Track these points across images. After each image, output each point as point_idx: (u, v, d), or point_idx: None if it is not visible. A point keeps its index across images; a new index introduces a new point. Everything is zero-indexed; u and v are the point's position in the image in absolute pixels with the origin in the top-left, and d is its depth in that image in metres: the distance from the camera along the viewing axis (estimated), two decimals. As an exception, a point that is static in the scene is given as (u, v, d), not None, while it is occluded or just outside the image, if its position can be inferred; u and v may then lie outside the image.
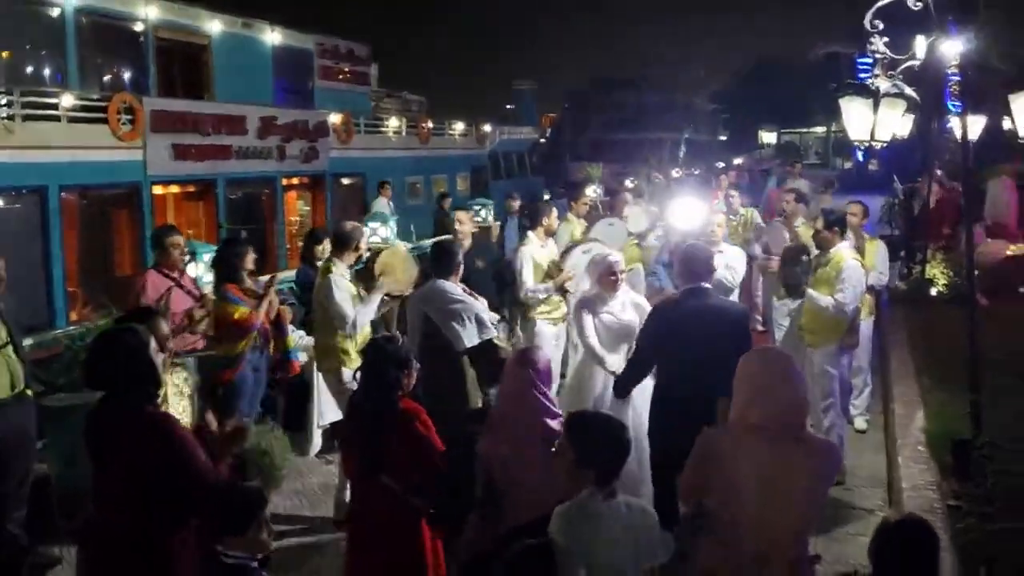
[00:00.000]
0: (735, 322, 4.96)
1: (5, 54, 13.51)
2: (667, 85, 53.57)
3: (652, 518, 3.26)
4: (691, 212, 7.92)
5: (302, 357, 7.38)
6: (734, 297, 7.27)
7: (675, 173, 28.46)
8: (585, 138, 47.93)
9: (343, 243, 6.34)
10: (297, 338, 7.52)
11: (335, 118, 19.78)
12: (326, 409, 7.09)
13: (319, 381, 7.12)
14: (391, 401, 3.96)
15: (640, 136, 47.91)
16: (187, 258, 7.02)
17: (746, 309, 5.46)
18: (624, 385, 5.27)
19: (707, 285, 5.08)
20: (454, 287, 5.46)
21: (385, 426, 3.91)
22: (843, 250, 6.54)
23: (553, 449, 3.54)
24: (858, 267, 6.47)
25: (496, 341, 5.37)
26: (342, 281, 6.17)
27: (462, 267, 5.68)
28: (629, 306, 5.95)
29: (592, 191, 14.91)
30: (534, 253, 7.55)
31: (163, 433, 3.41)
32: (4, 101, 11.95)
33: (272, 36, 18.70)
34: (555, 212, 8.05)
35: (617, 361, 5.70)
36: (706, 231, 7.54)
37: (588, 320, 5.86)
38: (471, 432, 4.14)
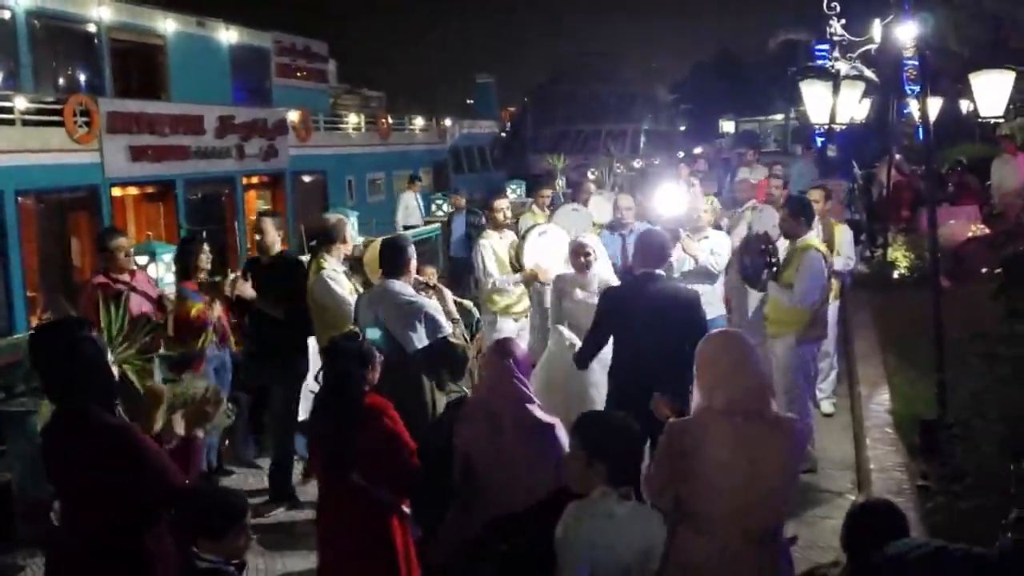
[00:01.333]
0: (686, 307, 5.02)
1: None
2: (626, 76, 53.69)
3: (659, 520, 3.21)
4: (675, 199, 7.93)
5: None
6: (720, 282, 7.27)
7: (636, 163, 28.56)
8: (546, 131, 47.90)
9: (330, 237, 6.22)
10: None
11: (294, 116, 19.60)
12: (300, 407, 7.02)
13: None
14: (355, 397, 3.91)
15: (600, 127, 48.03)
16: (133, 259, 6.80)
17: (697, 294, 5.40)
18: (581, 358, 5.33)
19: (660, 271, 5.21)
20: (404, 287, 5.20)
21: (351, 421, 3.86)
22: (810, 238, 6.47)
23: (537, 437, 3.52)
24: (818, 258, 6.28)
25: (451, 339, 5.19)
26: (338, 276, 6.07)
27: (414, 263, 5.43)
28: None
29: (556, 184, 14.91)
30: (493, 245, 7.49)
31: (124, 443, 3.30)
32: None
33: (228, 35, 18.45)
34: (507, 202, 7.96)
35: None
36: (691, 217, 7.53)
37: (558, 304, 5.93)
38: (447, 423, 4.11)
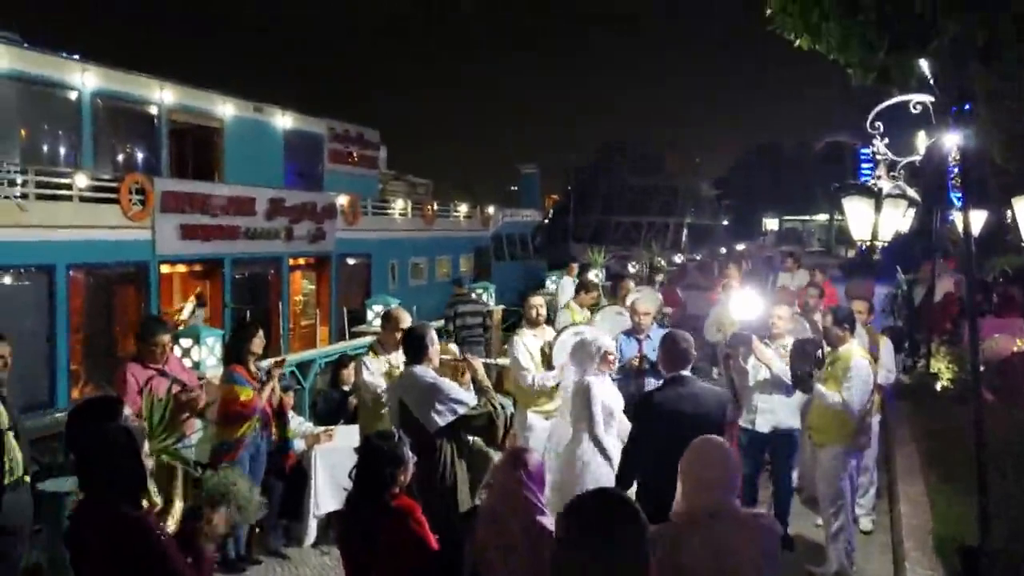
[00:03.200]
0: (716, 407, 5.12)
1: (22, 134, 13.80)
2: (670, 168, 54.26)
3: None
4: (750, 303, 7.82)
5: (299, 445, 7.31)
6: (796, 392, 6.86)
7: (677, 258, 28.66)
8: (587, 220, 48.34)
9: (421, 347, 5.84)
10: (296, 425, 7.47)
11: (343, 200, 20.05)
12: (323, 499, 7.02)
13: (316, 469, 7.06)
14: (384, 500, 3.91)
15: (642, 219, 48.37)
16: (171, 351, 6.85)
17: (727, 396, 5.50)
18: (625, 476, 5.25)
19: (687, 373, 5.20)
20: (425, 371, 5.41)
21: (377, 525, 3.86)
22: (853, 347, 6.47)
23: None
24: (866, 365, 6.36)
25: (470, 412, 5.26)
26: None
27: (434, 349, 5.56)
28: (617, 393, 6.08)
29: (594, 275, 15.00)
30: (526, 342, 7.50)
31: (141, 537, 3.31)
32: (19, 180, 12.18)
33: (283, 120, 19.12)
34: (539, 300, 7.95)
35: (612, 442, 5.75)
36: (767, 323, 7.41)
37: (598, 406, 5.88)
38: (461, 527, 4.09)
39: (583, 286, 10.25)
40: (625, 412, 6.02)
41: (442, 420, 5.17)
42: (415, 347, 5.49)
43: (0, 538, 5.20)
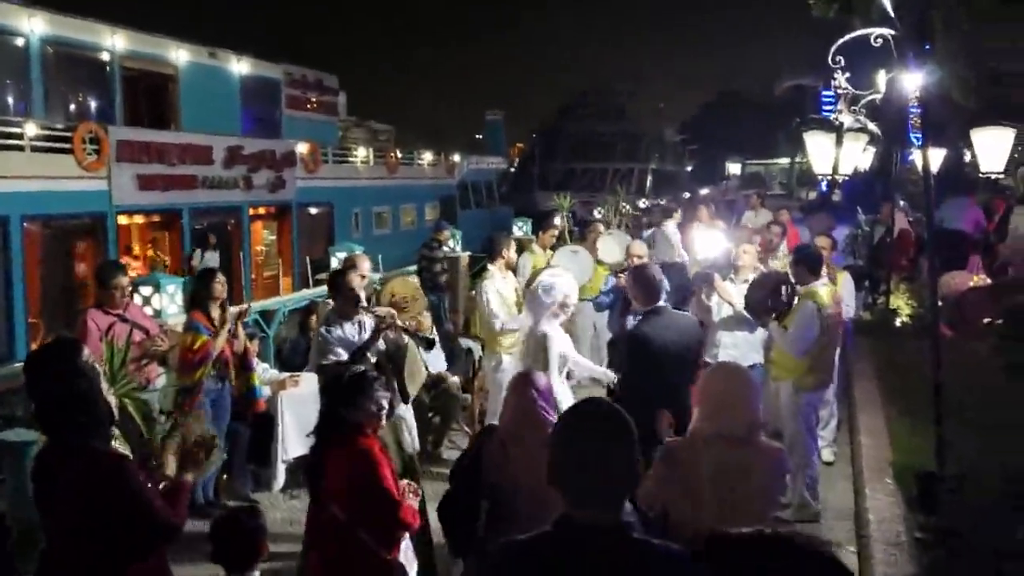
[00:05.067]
0: (694, 331, 5.43)
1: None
2: (633, 115, 54.10)
3: None
4: (713, 242, 7.85)
5: (265, 391, 7.28)
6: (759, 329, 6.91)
7: (642, 203, 28.68)
8: (553, 168, 48.20)
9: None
10: (261, 371, 7.42)
11: (302, 148, 19.75)
12: (290, 444, 7.01)
13: (283, 415, 7.05)
14: (335, 432, 3.96)
15: (607, 166, 48.30)
16: (130, 295, 6.80)
17: (696, 322, 5.66)
18: (630, 399, 5.30)
19: (662, 303, 5.32)
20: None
21: (328, 456, 3.92)
22: (813, 288, 6.46)
23: None
24: (811, 308, 6.28)
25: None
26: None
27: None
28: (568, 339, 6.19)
29: (559, 220, 14.96)
30: (498, 287, 7.50)
31: (114, 475, 3.29)
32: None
33: (240, 66, 18.68)
34: (513, 244, 8.02)
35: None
36: (730, 259, 7.40)
37: (555, 353, 5.92)
38: (475, 452, 4.15)
39: (543, 225, 10.30)
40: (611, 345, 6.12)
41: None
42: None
43: None
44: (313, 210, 20.63)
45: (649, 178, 49.51)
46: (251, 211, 18.25)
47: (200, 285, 6.71)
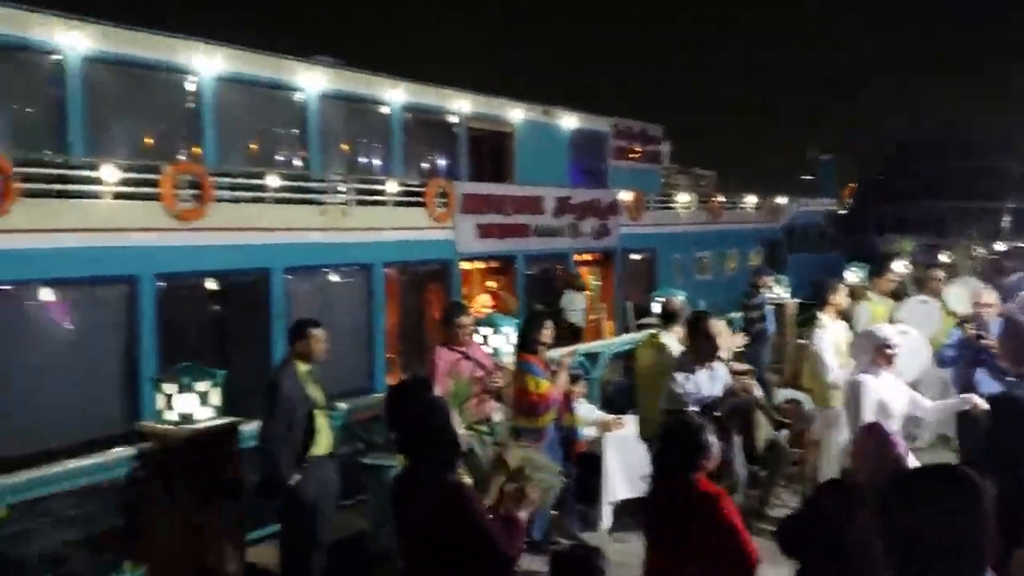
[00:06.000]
0: None
1: (345, 147, 15.38)
2: (985, 149, 48.70)
3: None
4: None
5: (589, 433, 7.46)
6: None
7: (998, 246, 25.79)
8: (890, 209, 44.78)
9: (672, 317, 6.51)
10: (587, 412, 7.64)
11: (626, 196, 20.25)
12: (615, 485, 7.12)
13: (608, 456, 7.18)
14: (687, 482, 3.85)
15: (956, 205, 43.95)
16: (474, 333, 7.28)
17: None
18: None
19: None
20: None
21: (683, 509, 3.80)
22: None
23: None
24: None
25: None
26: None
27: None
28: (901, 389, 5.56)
29: (900, 265, 13.90)
30: (829, 335, 7.12)
31: (458, 502, 3.54)
32: (343, 188, 13.63)
33: (569, 121, 19.68)
34: (844, 290, 7.59)
35: None
36: None
37: (868, 404, 5.45)
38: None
39: (880, 271, 9.61)
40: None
41: None
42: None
43: (306, 506, 5.85)
44: (636, 256, 21.00)
45: (1007, 219, 44.25)
46: (577, 257, 19.02)
47: (530, 329, 7.02)
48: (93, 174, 10.57)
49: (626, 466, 7.11)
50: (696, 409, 5.34)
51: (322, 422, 5.99)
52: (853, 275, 14.44)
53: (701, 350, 5.71)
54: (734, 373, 5.67)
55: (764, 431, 6.03)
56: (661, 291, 13.47)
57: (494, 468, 4.02)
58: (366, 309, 13.83)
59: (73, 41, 10.84)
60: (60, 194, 10.26)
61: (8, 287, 9.66)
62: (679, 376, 5.62)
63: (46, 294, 10.30)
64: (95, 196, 10.52)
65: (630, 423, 7.40)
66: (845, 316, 7.58)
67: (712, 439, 3.92)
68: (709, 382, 5.65)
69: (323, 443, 5.98)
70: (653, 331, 7.51)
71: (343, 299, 13.61)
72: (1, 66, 10.51)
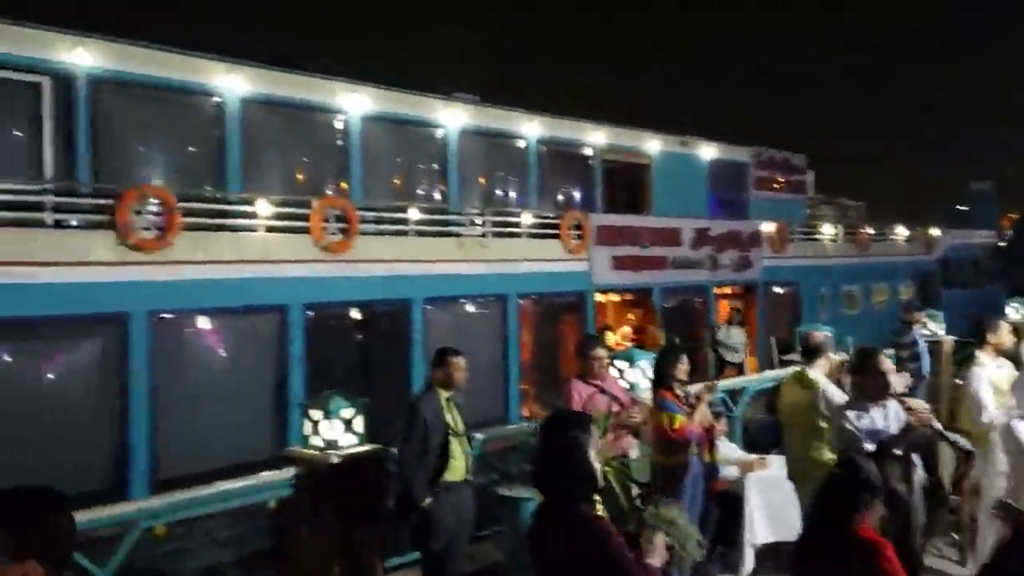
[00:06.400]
0: None
1: (482, 180, 15.66)
2: None
3: None
4: None
5: (731, 472, 7.23)
6: None
7: None
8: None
9: (815, 352, 6.36)
10: (728, 451, 7.42)
11: (769, 227, 19.70)
12: (758, 528, 6.86)
13: (751, 498, 6.93)
14: (850, 530, 3.65)
15: None
16: (609, 366, 7.24)
17: None
18: None
19: None
20: None
21: (840, 557, 3.61)
22: None
23: None
24: None
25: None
26: (830, 385, 6.16)
27: None
28: None
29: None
30: (989, 375, 6.66)
31: (596, 538, 3.47)
32: (480, 221, 13.87)
33: (708, 151, 19.38)
34: (1006, 327, 7.06)
35: None
36: None
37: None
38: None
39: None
40: None
41: None
42: None
43: (440, 530, 5.89)
44: (779, 289, 20.36)
45: None
46: (716, 290, 18.62)
47: (664, 364, 6.89)
48: (248, 208, 11.17)
49: (770, 508, 6.85)
50: (872, 447, 5.06)
51: (458, 448, 6.06)
52: (1014, 311, 13.50)
53: (871, 387, 5.40)
54: (907, 409, 5.33)
55: (950, 465, 5.66)
56: (806, 326, 13.01)
57: (652, 519, 3.91)
58: (501, 340, 13.95)
59: (232, 84, 11.54)
60: (218, 227, 10.89)
61: (170, 315, 10.26)
62: (851, 413, 5.35)
63: (203, 322, 10.90)
64: (250, 229, 11.10)
65: (774, 463, 7.14)
66: (1008, 355, 7.05)
67: (878, 484, 3.70)
68: (883, 419, 5.35)
69: (458, 469, 6.05)
70: (798, 367, 7.23)
71: (479, 329, 13.79)
72: (168, 108, 11.30)
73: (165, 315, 10.18)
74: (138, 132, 11.09)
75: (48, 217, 9.58)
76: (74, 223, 9.89)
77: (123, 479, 9.51)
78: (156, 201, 9.99)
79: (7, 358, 9.32)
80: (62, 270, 9.22)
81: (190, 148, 11.89)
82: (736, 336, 16.44)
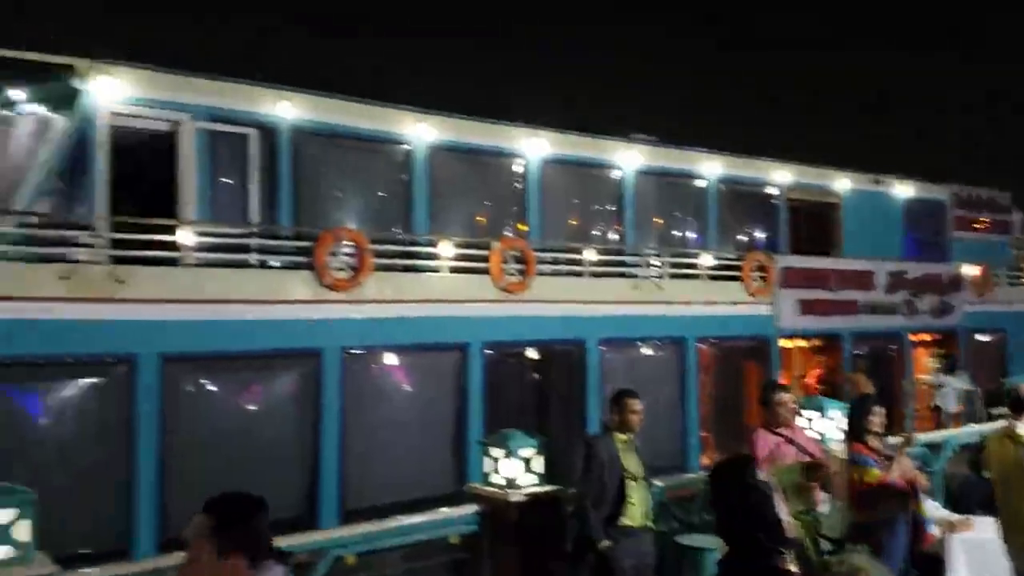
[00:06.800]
0: None
1: (658, 221, 15.50)
2: None
3: None
4: None
5: (935, 530, 6.72)
6: None
7: None
8: None
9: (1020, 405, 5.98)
10: (931, 509, 6.89)
11: (971, 270, 18.37)
12: (964, 593, 6.31)
13: (954, 561, 6.40)
14: None
15: None
16: (795, 413, 6.94)
17: None
18: None
19: None
20: None
21: None
22: None
23: None
24: None
25: None
26: None
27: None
28: None
29: None
30: None
31: None
32: (656, 262, 13.73)
33: (903, 189, 18.36)
34: None
35: None
36: None
37: None
38: None
39: None
40: None
41: None
42: None
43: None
44: (983, 337, 18.86)
45: None
46: (913, 337, 17.49)
47: (857, 414, 6.54)
48: (434, 250, 11.60)
49: (976, 572, 6.29)
50: None
51: (636, 493, 5.95)
52: None
53: None
54: None
55: None
56: (1016, 377, 11.96)
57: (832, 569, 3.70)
58: (679, 384, 13.67)
59: (420, 132, 12.08)
60: (405, 268, 11.37)
61: (360, 351, 10.76)
62: None
63: (389, 358, 11.35)
64: (434, 270, 11.51)
65: (981, 526, 6.56)
66: None
67: None
68: None
69: (637, 514, 5.93)
70: (1005, 421, 6.67)
71: (655, 373, 13.56)
72: (361, 156, 11.98)
73: (355, 351, 10.67)
74: (334, 178, 11.81)
75: (253, 258, 10.32)
76: (275, 264, 10.60)
77: (314, 508, 9.98)
78: (350, 243, 10.55)
79: (216, 389, 10.03)
80: (266, 308, 9.88)
81: (380, 193, 12.50)
82: (955, 383, 15.46)
